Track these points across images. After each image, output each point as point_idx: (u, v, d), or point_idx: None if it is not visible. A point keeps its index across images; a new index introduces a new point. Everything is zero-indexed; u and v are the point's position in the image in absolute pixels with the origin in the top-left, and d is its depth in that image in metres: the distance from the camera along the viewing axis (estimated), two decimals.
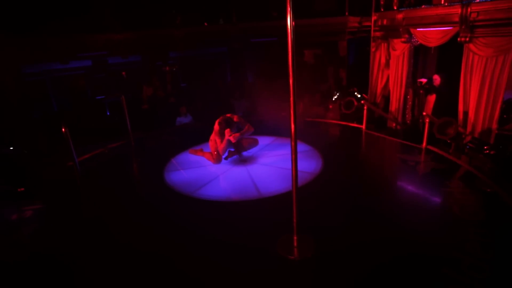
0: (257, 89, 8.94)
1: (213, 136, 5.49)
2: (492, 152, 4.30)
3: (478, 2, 5.07)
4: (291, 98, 2.78)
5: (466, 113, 5.94)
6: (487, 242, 3.10)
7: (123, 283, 2.97)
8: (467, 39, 5.47)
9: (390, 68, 7.41)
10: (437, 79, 6.67)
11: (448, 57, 6.70)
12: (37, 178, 5.07)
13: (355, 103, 6.69)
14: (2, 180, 4.72)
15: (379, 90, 7.93)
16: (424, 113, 5.34)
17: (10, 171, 4.90)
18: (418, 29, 6.23)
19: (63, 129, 4.31)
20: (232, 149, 5.67)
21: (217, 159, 5.37)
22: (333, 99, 7.73)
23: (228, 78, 12.94)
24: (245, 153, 5.69)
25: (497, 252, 2.97)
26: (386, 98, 7.99)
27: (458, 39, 5.59)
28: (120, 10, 7.62)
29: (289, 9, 2.55)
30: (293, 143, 2.91)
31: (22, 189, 4.66)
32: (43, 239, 3.69)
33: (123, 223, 3.92)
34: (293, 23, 2.58)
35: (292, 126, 2.86)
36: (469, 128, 5.84)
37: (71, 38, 7.26)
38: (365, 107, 6.32)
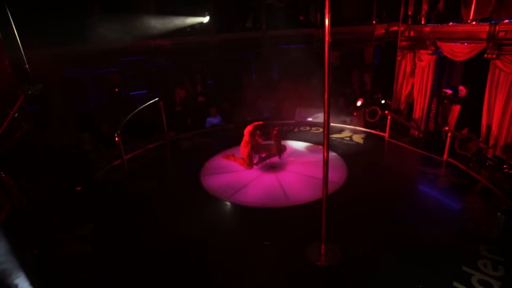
0: (283, 92, 9.28)
1: (244, 142, 5.94)
2: (511, 172, 4.54)
3: (506, 22, 5.20)
4: (325, 109, 2.95)
5: (489, 127, 6.11)
6: (499, 260, 3.44)
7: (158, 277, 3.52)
8: (494, 56, 5.61)
9: (415, 77, 7.58)
10: (462, 90, 6.80)
11: (475, 69, 6.81)
12: (90, 178, 5.71)
13: (379, 112, 6.95)
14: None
15: (403, 98, 8.11)
16: (446, 128, 5.58)
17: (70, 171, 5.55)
18: (445, 43, 6.38)
19: (116, 138, 4.86)
20: (263, 155, 6.11)
21: (249, 165, 5.84)
22: (357, 104, 7.98)
23: (253, 76, 13.28)
24: (273, 159, 6.12)
25: (508, 271, 3.30)
26: (410, 105, 8.17)
27: (485, 55, 5.73)
28: (158, 19, 8.13)
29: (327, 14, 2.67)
30: (325, 154, 3.22)
31: (79, 188, 5.30)
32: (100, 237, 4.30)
33: (162, 224, 4.46)
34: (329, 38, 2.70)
35: (325, 142, 3.16)
36: (491, 142, 6.03)
37: (116, 46, 7.84)
38: (388, 117, 6.59)
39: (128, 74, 11.59)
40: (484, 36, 5.56)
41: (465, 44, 6.05)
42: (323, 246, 3.68)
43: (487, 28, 5.44)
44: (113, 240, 4.18)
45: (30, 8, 7.44)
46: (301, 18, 9.85)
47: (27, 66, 5.38)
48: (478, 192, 4.79)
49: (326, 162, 3.25)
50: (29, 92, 5.18)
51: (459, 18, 6.48)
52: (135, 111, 6.32)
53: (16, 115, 4.76)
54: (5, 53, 4.83)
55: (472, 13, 5.96)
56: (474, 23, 5.84)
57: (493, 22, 5.38)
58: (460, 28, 6.03)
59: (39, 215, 4.58)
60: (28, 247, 3.90)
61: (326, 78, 2.89)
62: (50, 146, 6.82)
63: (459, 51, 6.17)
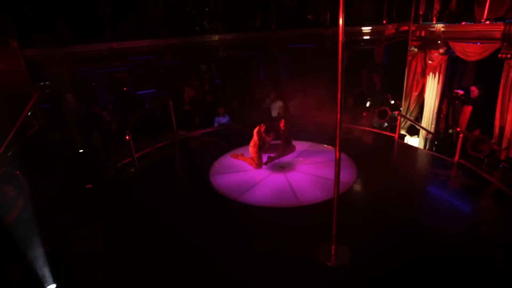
0: (291, 91, 9.26)
1: (253, 141, 5.93)
2: None
3: None
4: (338, 108, 2.91)
5: (502, 128, 6.01)
6: None
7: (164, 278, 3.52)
8: (509, 56, 5.52)
9: (426, 78, 7.50)
10: (474, 91, 6.71)
11: (487, 69, 6.71)
12: (99, 176, 5.75)
13: (389, 112, 6.89)
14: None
15: (413, 98, 8.03)
16: (458, 129, 5.50)
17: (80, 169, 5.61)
18: (457, 43, 6.29)
19: (127, 137, 4.90)
20: (272, 154, 6.10)
21: (258, 164, 5.83)
22: (367, 105, 7.93)
23: (261, 75, 13.28)
24: (282, 159, 6.10)
25: None
26: (420, 105, 8.09)
27: (499, 55, 5.65)
28: (167, 19, 8.17)
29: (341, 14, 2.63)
30: (337, 155, 3.21)
31: (90, 185, 5.35)
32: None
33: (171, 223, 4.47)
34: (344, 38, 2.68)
35: (337, 142, 3.12)
36: (504, 143, 5.93)
37: (125, 44, 7.91)
38: (398, 117, 6.52)
39: (136, 73, 11.69)
40: (498, 35, 5.47)
41: (478, 44, 5.97)
42: (333, 247, 3.66)
43: (502, 27, 5.36)
44: (123, 238, 4.21)
45: (43, 7, 7.55)
46: (310, 18, 9.81)
47: (40, 65, 5.46)
48: (491, 195, 4.72)
49: (338, 162, 3.22)
50: (41, 90, 5.25)
51: (472, 17, 6.39)
52: (145, 109, 6.35)
53: (29, 113, 4.83)
54: (19, 52, 4.91)
55: (486, 12, 5.88)
56: (488, 22, 5.76)
57: (508, 21, 5.30)
58: (474, 27, 5.95)
59: (51, 212, 4.64)
60: (41, 243, 3.95)
61: (340, 78, 2.86)
62: (61, 144, 6.91)
63: (472, 51, 6.09)
